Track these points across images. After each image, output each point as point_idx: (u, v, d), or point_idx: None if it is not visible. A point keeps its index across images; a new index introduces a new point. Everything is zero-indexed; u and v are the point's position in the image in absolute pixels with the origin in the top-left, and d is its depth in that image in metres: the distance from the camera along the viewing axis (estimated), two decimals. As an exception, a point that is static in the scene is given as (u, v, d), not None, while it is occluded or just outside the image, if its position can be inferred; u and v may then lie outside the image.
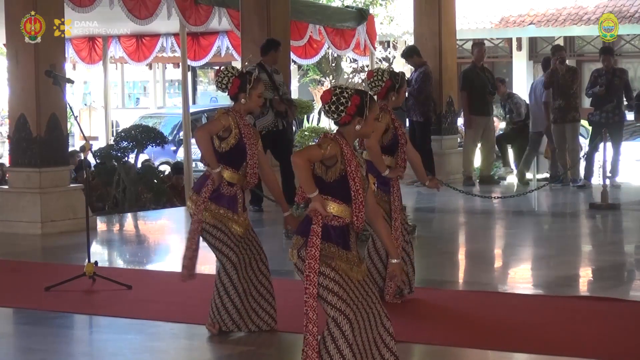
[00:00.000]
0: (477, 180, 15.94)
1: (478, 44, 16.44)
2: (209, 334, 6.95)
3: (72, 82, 9.58)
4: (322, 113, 5.49)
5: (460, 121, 18.16)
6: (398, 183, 7.82)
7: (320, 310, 5.22)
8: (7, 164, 14.35)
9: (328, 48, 19.10)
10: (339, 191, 5.25)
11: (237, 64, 17.97)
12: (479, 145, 15.98)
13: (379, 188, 7.59)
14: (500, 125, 21.48)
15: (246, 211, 7.01)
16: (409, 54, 15.73)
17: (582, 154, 15.24)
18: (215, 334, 6.93)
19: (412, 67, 15.94)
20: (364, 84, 7.71)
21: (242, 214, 6.92)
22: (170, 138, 21.74)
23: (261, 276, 6.96)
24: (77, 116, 11.52)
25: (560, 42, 28.67)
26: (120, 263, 10.71)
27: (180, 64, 17.54)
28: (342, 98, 5.22)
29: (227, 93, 6.96)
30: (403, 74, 8.10)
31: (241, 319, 6.90)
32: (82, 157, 9.67)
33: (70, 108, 9.71)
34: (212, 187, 6.82)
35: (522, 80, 29.05)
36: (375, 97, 7.71)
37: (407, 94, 15.83)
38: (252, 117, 11.01)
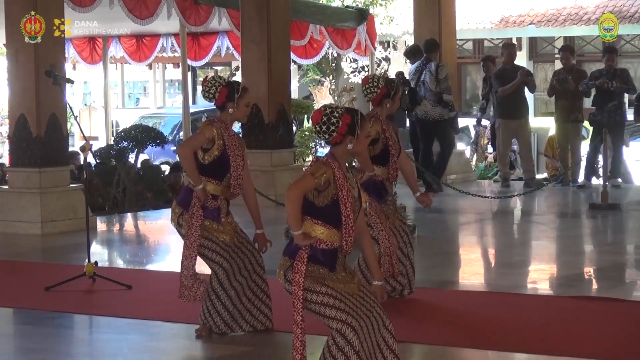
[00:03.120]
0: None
1: (508, 45, 16.30)
2: (213, 334, 6.95)
3: (72, 82, 9.57)
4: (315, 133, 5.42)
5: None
6: (392, 188, 7.81)
7: (310, 326, 5.21)
8: (7, 164, 14.34)
9: (329, 48, 19.13)
10: (330, 215, 5.22)
11: (238, 64, 17.96)
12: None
13: (373, 197, 7.54)
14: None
15: (230, 215, 6.95)
16: (412, 53, 15.70)
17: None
18: (204, 336, 6.92)
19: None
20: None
21: (226, 221, 6.87)
22: (170, 138, 21.76)
23: (255, 276, 6.94)
24: (77, 116, 11.53)
25: (560, 42, 28.67)
26: (120, 263, 10.71)
27: (180, 64, 17.56)
28: (332, 118, 5.18)
29: (214, 103, 6.90)
30: (401, 76, 8.07)
31: (233, 321, 6.89)
32: (83, 158, 9.64)
33: (70, 108, 9.70)
34: (200, 204, 6.79)
35: (522, 80, 29.02)
36: (370, 103, 7.70)
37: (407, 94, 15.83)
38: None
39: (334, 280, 5.23)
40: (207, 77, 6.94)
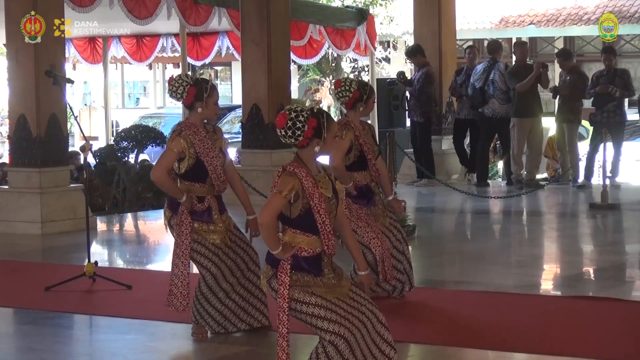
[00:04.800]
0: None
1: (520, 44, 16.25)
2: (210, 335, 6.95)
3: (72, 82, 9.56)
4: (280, 137, 5.30)
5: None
6: (378, 188, 7.78)
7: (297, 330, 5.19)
8: (7, 164, 14.35)
9: (328, 48, 19.12)
10: (306, 224, 5.17)
11: (238, 64, 17.98)
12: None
13: (357, 204, 7.52)
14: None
15: (225, 212, 6.91)
16: (413, 52, 15.72)
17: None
18: (201, 337, 6.93)
19: (414, 67, 15.92)
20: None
21: (219, 219, 6.83)
22: (170, 138, 21.72)
23: (249, 273, 6.91)
24: (77, 116, 11.53)
25: (560, 42, 28.68)
26: (120, 263, 10.71)
27: (180, 63, 17.56)
28: (298, 122, 5.07)
29: (182, 102, 6.83)
30: (402, 76, 8.02)
31: (226, 320, 6.87)
32: (83, 158, 9.64)
33: (70, 108, 9.70)
34: (188, 211, 6.75)
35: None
36: (343, 107, 7.67)
37: (408, 94, 15.84)
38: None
39: (320, 286, 5.17)
40: (172, 76, 6.84)
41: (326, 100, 28.16)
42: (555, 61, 15.56)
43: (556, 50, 27.86)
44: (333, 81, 27.70)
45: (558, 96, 15.30)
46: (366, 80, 13.73)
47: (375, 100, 7.86)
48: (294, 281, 5.15)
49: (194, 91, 6.71)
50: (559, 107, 15.29)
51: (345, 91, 7.49)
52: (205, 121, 6.87)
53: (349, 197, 7.49)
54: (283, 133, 5.12)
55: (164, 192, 15.54)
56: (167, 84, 7.02)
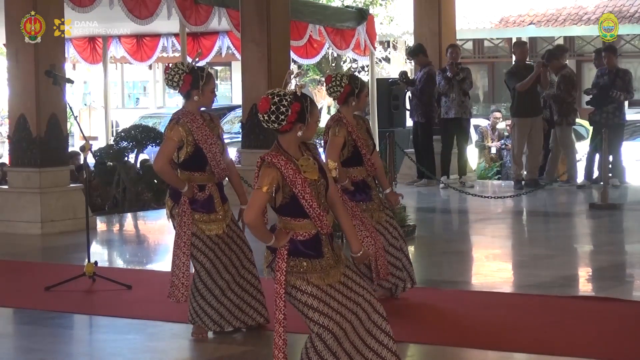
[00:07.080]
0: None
1: (520, 44, 16.22)
2: (212, 335, 6.94)
3: (72, 82, 9.56)
4: (261, 122, 5.20)
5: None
6: (374, 182, 7.75)
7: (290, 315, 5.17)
8: (7, 164, 14.36)
9: (328, 48, 19.13)
10: (294, 210, 5.12)
11: (238, 64, 17.97)
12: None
13: (353, 200, 7.50)
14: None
15: (226, 202, 6.91)
16: (415, 52, 15.71)
17: (578, 157, 15.25)
18: (202, 338, 6.92)
19: (413, 66, 15.92)
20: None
21: (221, 208, 6.83)
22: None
23: (244, 271, 6.91)
24: (77, 116, 11.54)
25: (560, 42, 28.66)
26: (120, 263, 10.72)
27: (180, 64, 17.55)
28: (281, 107, 4.99)
29: (178, 91, 6.82)
30: (404, 76, 8.01)
31: (222, 318, 6.87)
32: (83, 158, 9.64)
33: (70, 108, 9.70)
34: (188, 201, 6.75)
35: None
36: (335, 102, 7.65)
37: (410, 94, 15.83)
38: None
39: (317, 271, 5.11)
40: (168, 65, 6.83)
41: (326, 100, 28.13)
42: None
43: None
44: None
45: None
46: (365, 79, 13.72)
47: (368, 94, 7.81)
48: (291, 267, 5.12)
49: (190, 79, 6.72)
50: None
51: (337, 86, 7.45)
52: (203, 109, 6.89)
53: (347, 193, 7.48)
54: (266, 118, 5.03)
55: (163, 192, 15.53)
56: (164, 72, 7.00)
